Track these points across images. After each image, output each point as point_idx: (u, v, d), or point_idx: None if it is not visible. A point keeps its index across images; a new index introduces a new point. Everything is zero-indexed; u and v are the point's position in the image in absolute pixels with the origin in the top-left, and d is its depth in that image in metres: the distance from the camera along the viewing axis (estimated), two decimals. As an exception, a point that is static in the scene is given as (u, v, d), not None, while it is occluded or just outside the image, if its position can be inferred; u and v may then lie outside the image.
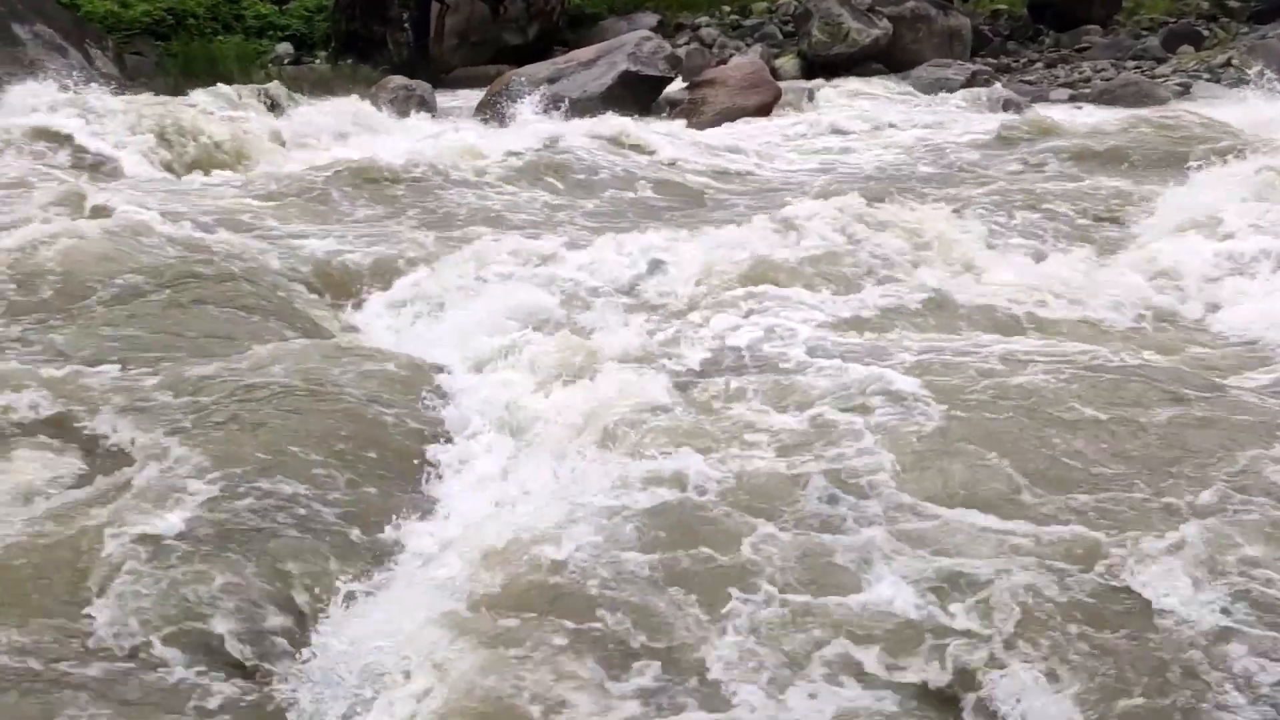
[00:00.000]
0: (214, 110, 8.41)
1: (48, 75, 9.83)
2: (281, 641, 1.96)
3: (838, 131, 9.93)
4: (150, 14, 16.28)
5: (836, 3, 14.66)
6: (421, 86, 12.15)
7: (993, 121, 9.23)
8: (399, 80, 12.37)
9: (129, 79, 12.31)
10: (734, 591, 2.00)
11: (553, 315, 3.63)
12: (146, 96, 8.71)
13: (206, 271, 3.72)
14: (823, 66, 14.50)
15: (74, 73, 9.95)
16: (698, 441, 2.55)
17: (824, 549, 2.12)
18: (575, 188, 6.35)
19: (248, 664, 1.91)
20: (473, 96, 12.68)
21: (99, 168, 6.36)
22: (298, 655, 1.92)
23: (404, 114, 10.60)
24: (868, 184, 6.53)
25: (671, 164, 7.22)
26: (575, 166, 6.69)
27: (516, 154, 6.76)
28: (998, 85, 12.73)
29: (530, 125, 8.52)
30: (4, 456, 2.47)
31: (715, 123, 10.66)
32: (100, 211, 4.43)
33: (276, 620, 2.00)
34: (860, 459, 2.42)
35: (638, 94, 11.71)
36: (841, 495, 2.29)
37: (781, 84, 12.32)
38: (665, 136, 8.17)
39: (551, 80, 11.84)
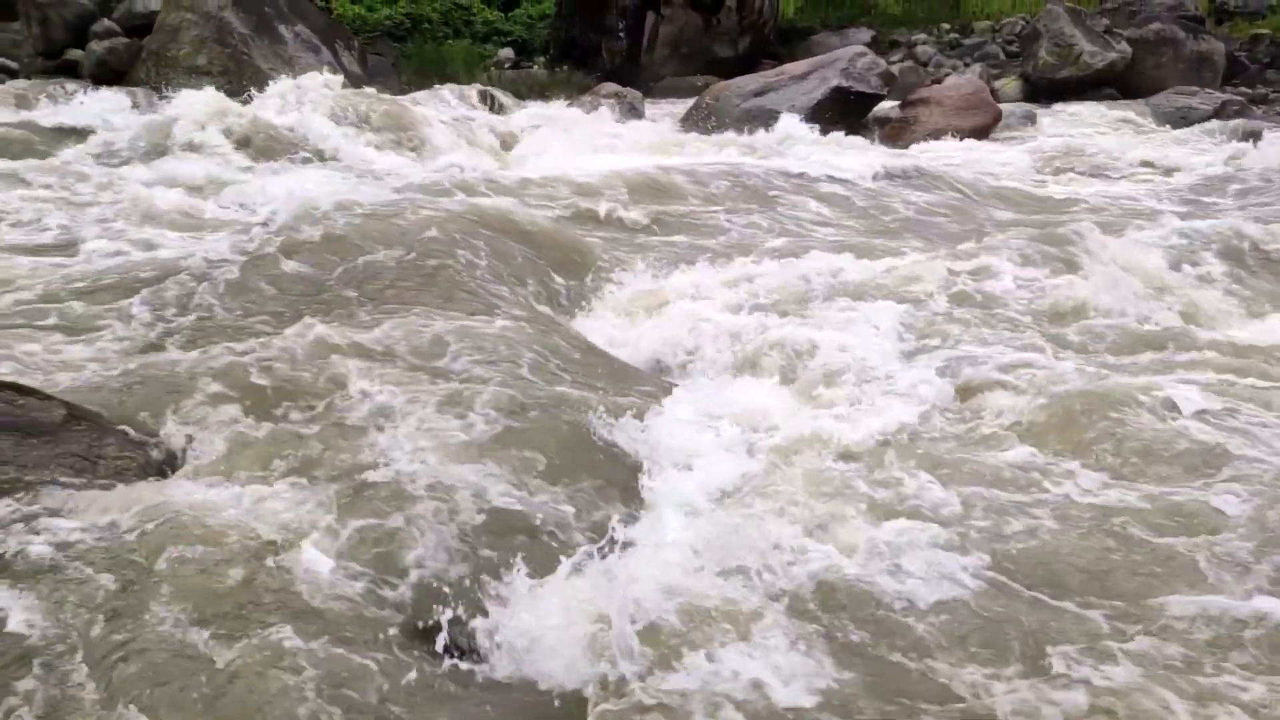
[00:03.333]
0: (448, 108, 9.03)
1: (304, 71, 10.86)
2: (491, 622, 2.03)
3: (1058, 157, 9.31)
4: (391, 18, 17.63)
5: (1069, 23, 13.78)
6: (632, 94, 12.47)
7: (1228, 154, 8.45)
8: (611, 87, 12.75)
9: (369, 77, 13.39)
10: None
11: (786, 325, 3.58)
12: (386, 94, 9.43)
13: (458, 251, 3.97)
14: (1047, 90, 13.69)
15: (325, 69, 10.95)
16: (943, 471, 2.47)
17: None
18: (787, 201, 6.30)
19: (455, 643, 2.00)
20: (680, 105, 12.88)
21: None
22: (507, 635, 1.99)
23: (615, 121, 10.91)
24: (1094, 214, 6.09)
25: (910, 177, 7.07)
26: (786, 179, 6.65)
27: (727, 168, 6.81)
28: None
29: (742, 137, 8.60)
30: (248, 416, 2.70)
31: (925, 142, 10.31)
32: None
33: (484, 600, 2.09)
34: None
35: (847, 110, 11.48)
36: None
37: (1001, 106, 11.74)
38: (890, 155, 8.05)
39: (760, 93, 11.84)
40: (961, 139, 10.36)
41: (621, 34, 16.65)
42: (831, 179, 6.80)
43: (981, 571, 2.13)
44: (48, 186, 5.83)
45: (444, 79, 14.09)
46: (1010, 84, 14.32)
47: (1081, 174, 8.42)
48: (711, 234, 5.40)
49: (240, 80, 11.36)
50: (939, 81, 13.01)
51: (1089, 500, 2.41)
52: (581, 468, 2.59)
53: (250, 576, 2.08)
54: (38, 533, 2.08)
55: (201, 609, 1.96)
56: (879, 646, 1.93)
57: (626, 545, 2.19)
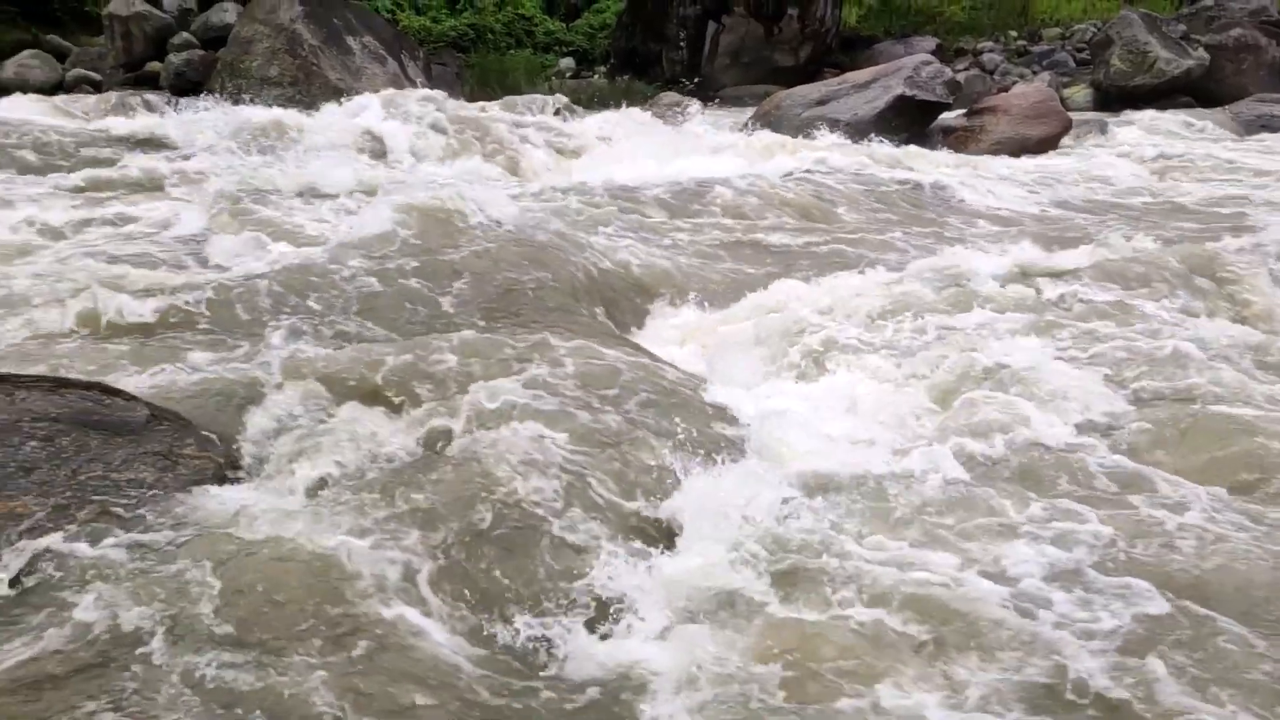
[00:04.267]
0: (517, 116, 9.15)
1: (371, 81, 11.10)
2: (566, 632, 2.03)
3: (1132, 166, 9.05)
4: (456, 29, 17.93)
5: (1144, 29, 13.42)
6: (692, 103, 12.47)
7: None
8: (671, 96, 12.78)
9: (434, 87, 13.63)
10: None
11: (855, 338, 3.53)
12: (455, 103, 9.59)
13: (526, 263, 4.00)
14: (1119, 98, 13.33)
15: (391, 79, 11.19)
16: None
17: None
18: (857, 209, 6.23)
19: (535, 652, 2.00)
20: (739, 114, 12.85)
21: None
22: (583, 648, 1.99)
23: (675, 128, 10.91)
24: (1170, 226, 5.90)
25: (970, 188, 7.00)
26: (856, 188, 6.59)
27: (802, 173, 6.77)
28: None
29: (811, 145, 8.54)
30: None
31: (993, 152, 10.11)
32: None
33: (561, 611, 2.08)
34: None
35: (911, 119, 11.32)
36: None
37: (1071, 115, 11.46)
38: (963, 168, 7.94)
39: (821, 102, 11.74)
40: (1026, 149, 10.15)
41: (682, 43, 16.68)
42: (965, 185, 6.79)
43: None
44: (157, 190, 6.03)
45: (505, 89, 14.27)
46: (1080, 92, 13.99)
47: (1199, 179, 8.17)
48: (880, 248, 5.33)
49: (309, 90, 11.65)
50: (1006, 89, 12.77)
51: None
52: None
53: (313, 587, 2.08)
54: (120, 529, 2.13)
55: (264, 618, 1.97)
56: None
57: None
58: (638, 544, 2.28)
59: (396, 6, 17.80)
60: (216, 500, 2.36)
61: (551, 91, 14.33)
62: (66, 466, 2.19)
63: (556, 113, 10.33)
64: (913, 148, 9.44)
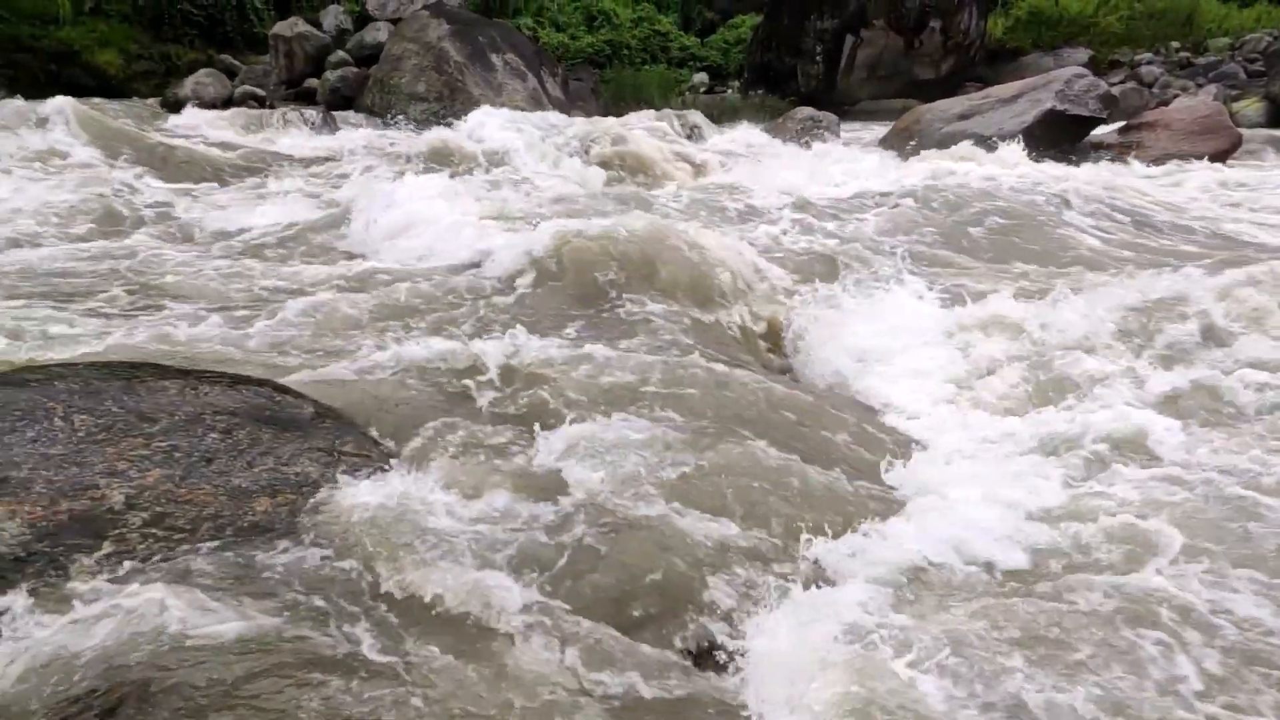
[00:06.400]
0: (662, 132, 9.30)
1: (511, 96, 11.45)
2: (728, 637, 2.01)
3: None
4: (593, 45, 18.31)
5: (1328, 38, 12.39)
6: (827, 118, 12.29)
7: None
8: (806, 111, 12.62)
9: (570, 101, 13.95)
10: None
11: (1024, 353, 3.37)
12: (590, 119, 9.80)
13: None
14: (1297, 112, 12.36)
15: (530, 94, 11.52)
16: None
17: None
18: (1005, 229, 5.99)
19: (695, 652, 1.99)
20: (876, 129, 12.58)
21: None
22: (741, 651, 1.97)
23: (808, 144, 10.79)
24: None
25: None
26: (1005, 205, 6.33)
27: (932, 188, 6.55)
28: None
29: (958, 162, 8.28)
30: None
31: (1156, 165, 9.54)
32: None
33: (721, 615, 2.06)
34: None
35: (1060, 135, 10.81)
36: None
37: (1241, 131, 10.69)
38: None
39: (964, 116, 11.37)
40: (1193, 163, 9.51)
41: (818, 57, 16.48)
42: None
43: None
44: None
45: (639, 103, 14.45)
46: (1251, 106, 13.03)
47: None
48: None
49: (452, 105, 12.12)
50: (1166, 103, 12.04)
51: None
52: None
53: (464, 581, 2.14)
54: (290, 521, 2.24)
55: (421, 613, 2.03)
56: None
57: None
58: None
59: (537, 24, 18.33)
60: (372, 496, 2.45)
61: (684, 106, 14.43)
62: (242, 458, 2.32)
63: (690, 132, 10.38)
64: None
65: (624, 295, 3.86)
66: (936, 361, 3.37)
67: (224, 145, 7.88)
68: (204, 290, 4.07)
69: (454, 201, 5.57)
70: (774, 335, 3.96)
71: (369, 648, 1.89)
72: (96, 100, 11.76)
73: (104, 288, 4.10)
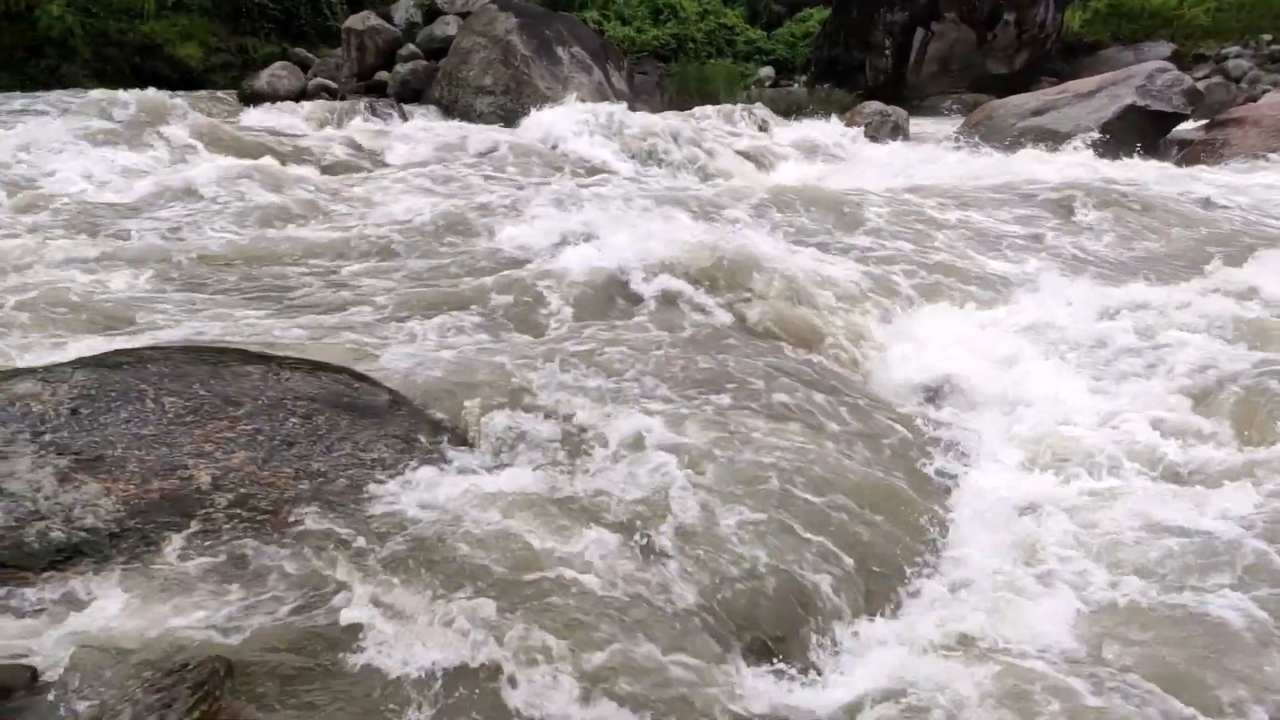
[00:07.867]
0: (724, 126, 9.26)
1: (577, 89, 11.50)
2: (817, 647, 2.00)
3: None
4: (658, 39, 18.27)
5: None
6: (897, 113, 12.08)
7: None
8: (875, 105, 12.42)
9: (635, 95, 13.95)
10: None
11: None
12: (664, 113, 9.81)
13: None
14: (1399, 108, 11.72)
15: (595, 88, 11.55)
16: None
17: None
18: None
19: (784, 660, 1.99)
20: (946, 125, 12.32)
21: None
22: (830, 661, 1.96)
23: (879, 139, 10.64)
24: None
25: None
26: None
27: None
28: None
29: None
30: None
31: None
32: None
33: (811, 626, 2.06)
34: None
35: (1140, 131, 10.44)
36: None
37: (1337, 128, 10.20)
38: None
39: (1039, 112, 11.08)
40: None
41: (887, 51, 16.20)
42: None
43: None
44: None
45: (705, 97, 14.37)
46: (1348, 102, 12.41)
47: None
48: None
49: (519, 98, 12.21)
50: (1255, 99, 11.56)
51: None
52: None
53: (534, 565, 2.15)
54: (367, 504, 2.28)
55: (498, 592, 2.05)
56: None
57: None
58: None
59: (604, 17, 18.35)
60: (447, 482, 2.48)
61: (750, 100, 14.31)
62: (321, 443, 2.37)
63: (759, 126, 10.30)
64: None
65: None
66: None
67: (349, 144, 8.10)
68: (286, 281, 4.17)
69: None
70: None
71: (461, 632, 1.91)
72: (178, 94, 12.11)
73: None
